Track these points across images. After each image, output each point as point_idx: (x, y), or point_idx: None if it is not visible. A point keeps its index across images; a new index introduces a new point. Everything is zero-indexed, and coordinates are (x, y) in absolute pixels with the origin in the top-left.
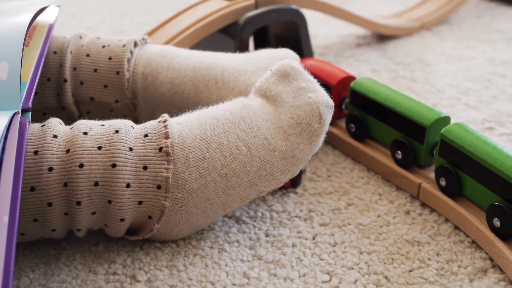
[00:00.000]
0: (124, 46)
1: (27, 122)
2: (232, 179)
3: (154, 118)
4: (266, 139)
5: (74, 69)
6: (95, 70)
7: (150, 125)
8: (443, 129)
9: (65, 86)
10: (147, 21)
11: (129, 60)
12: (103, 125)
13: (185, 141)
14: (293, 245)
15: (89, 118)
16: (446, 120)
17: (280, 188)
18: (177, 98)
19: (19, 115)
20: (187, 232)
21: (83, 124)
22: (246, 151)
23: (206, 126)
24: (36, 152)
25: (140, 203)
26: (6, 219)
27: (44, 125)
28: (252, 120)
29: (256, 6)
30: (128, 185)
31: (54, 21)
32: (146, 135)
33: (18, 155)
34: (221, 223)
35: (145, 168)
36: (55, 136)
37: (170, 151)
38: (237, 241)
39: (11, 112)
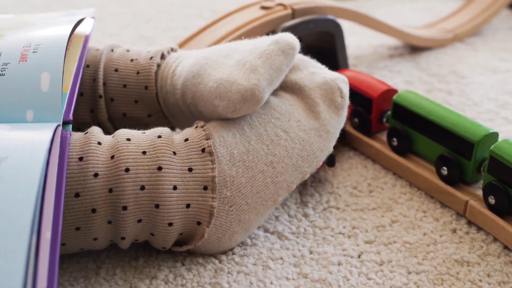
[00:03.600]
0: (151, 58)
1: (68, 135)
2: (278, 165)
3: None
4: (299, 121)
5: (104, 84)
6: (124, 86)
7: (188, 131)
8: (492, 146)
9: (100, 102)
10: (172, 27)
11: (156, 73)
12: (144, 132)
13: (226, 138)
14: (339, 263)
15: None
16: (494, 136)
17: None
18: (181, 105)
19: (61, 127)
20: (240, 236)
21: (124, 131)
22: (285, 136)
23: (241, 122)
24: (81, 159)
25: (188, 206)
26: (48, 235)
27: (87, 132)
28: (281, 108)
29: (293, 16)
30: (175, 187)
31: (90, 32)
32: (186, 139)
33: (60, 168)
34: (263, 238)
35: (190, 170)
36: (99, 143)
37: (213, 150)
38: (281, 258)
39: (54, 125)
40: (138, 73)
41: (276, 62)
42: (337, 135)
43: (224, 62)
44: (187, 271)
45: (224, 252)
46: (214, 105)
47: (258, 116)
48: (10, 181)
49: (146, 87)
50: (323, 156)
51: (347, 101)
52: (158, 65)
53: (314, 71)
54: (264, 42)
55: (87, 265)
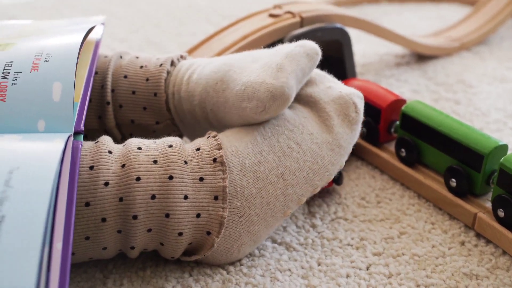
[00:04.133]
0: (161, 65)
1: (80, 146)
2: (288, 177)
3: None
4: (312, 134)
5: (113, 91)
6: (133, 92)
7: (200, 141)
8: (502, 158)
9: (108, 108)
10: (181, 32)
11: (165, 80)
12: (155, 141)
13: (238, 148)
14: (347, 275)
15: None
16: (504, 148)
17: (324, 188)
18: (197, 111)
19: (72, 138)
20: (248, 247)
21: (135, 140)
22: (298, 148)
23: (254, 133)
24: (91, 167)
25: (198, 216)
26: (59, 245)
27: (98, 141)
28: (295, 120)
29: (301, 24)
30: (185, 197)
31: (100, 38)
32: (198, 149)
33: (71, 179)
34: (271, 249)
35: (201, 179)
36: (110, 152)
37: (225, 160)
38: (289, 270)
39: (65, 135)
40: (147, 80)
41: (301, 63)
42: (349, 150)
43: (250, 67)
44: (195, 282)
45: (232, 263)
46: (241, 108)
47: (272, 127)
48: (22, 192)
49: (155, 94)
50: (334, 170)
51: (361, 117)
52: (168, 72)
53: (330, 86)
54: (289, 45)
55: (95, 275)
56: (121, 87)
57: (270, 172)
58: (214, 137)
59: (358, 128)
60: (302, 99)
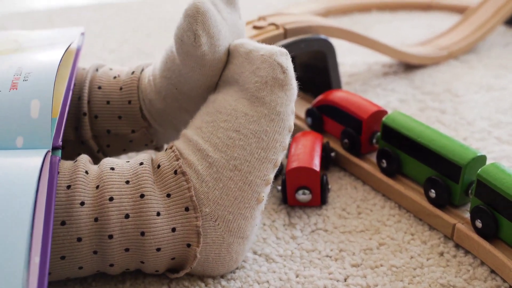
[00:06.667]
0: (132, 73)
1: (57, 161)
2: (242, 166)
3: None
4: (247, 114)
5: (88, 102)
6: (108, 102)
7: (160, 156)
8: (480, 170)
9: (84, 119)
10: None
11: (138, 87)
12: (128, 161)
13: (188, 158)
14: (325, 287)
15: (111, 152)
16: (482, 159)
17: (310, 206)
18: (168, 100)
19: (50, 153)
20: (239, 245)
21: (109, 160)
22: (238, 135)
23: (195, 138)
24: (68, 187)
25: (173, 230)
26: (37, 259)
27: (76, 161)
28: (226, 108)
29: (285, 35)
30: (158, 214)
31: (78, 50)
32: (159, 166)
33: (49, 194)
34: (252, 261)
35: (168, 195)
36: (86, 172)
37: (185, 170)
38: (267, 281)
39: (43, 151)
40: (121, 89)
41: None
42: (290, 110)
43: None
44: None
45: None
46: (183, 52)
47: (207, 125)
48: (2, 211)
49: (129, 102)
50: (284, 137)
51: (291, 74)
52: (139, 79)
53: (249, 50)
54: None
55: None
56: (96, 98)
57: (223, 170)
58: (170, 148)
59: (292, 87)
60: (228, 80)
